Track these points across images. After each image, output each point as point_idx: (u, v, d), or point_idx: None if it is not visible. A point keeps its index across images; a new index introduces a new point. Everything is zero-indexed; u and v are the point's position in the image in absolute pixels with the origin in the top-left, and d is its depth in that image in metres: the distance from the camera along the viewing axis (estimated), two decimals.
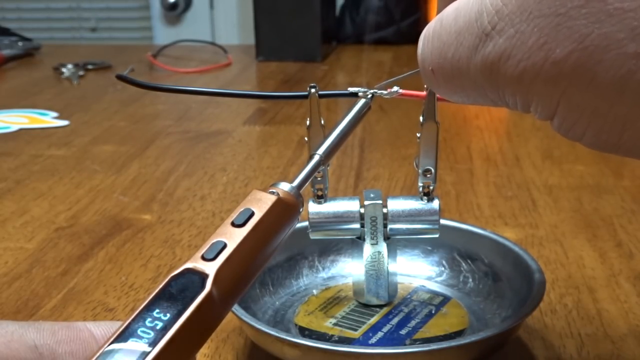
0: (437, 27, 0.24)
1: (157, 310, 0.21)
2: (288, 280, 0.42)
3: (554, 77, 0.20)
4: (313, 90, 0.34)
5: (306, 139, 0.36)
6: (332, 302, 0.40)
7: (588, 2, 0.19)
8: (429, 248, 0.43)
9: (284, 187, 0.26)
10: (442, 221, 0.38)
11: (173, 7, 1.97)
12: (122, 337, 0.21)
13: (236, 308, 0.34)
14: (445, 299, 0.40)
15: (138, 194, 0.61)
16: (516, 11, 0.20)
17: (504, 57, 0.21)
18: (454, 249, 0.43)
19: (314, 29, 1.20)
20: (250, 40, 1.27)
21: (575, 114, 0.20)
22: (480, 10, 0.21)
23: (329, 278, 0.43)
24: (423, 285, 0.42)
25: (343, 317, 0.38)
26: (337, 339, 0.36)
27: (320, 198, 0.38)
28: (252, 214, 0.25)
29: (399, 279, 0.40)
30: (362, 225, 0.38)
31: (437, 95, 0.34)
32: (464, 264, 0.42)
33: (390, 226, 0.38)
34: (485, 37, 0.21)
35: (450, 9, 0.23)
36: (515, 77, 0.21)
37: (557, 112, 0.21)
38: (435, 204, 0.37)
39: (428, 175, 0.37)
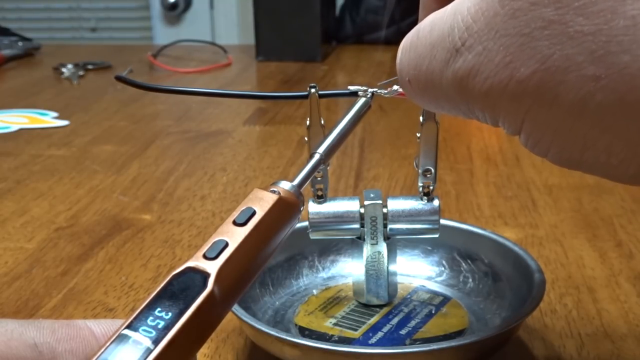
0: (414, 39, 0.24)
1: (159, 309, 0.21)
2: (288, 280, 0.42)
3: (518, 95, 0.20)
4: (313, 90, 0.34)
5: (306, 138, 0.36)
6: (332, 302, 0.40)
7: (550, 24, 0.19)
8: (429, 248, 0.43)
9: (285, 186, 0.26)
10: (442, 221, 0.38)
11: (173, 7, 1.97)
12: (124, 336, 0.21)
13: (236, 308, 0.34)
14: (445, 299, 0.40)
15: (138, 194, 0.61)
16: (484, 29, 0.21)
17: (473, 73, 0.21)
18: (454, 249, 0.43)
19: (314, 29, 1.20)
20: (250, 40, 1.27)
21: (539, 132, 0.21)
22: (452, 26, 0.22)
23: (329, 278, 0.43)
24: (423, 285, 0.42)
25: (343, 317, 0.38)
26: (337, 339, 0.36)
27: (320, 198, 0.38)
28: (254, 213, 0.25)
29: (399, 279, 0.40)
30: (362, 225, 0.38)
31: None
32: (464, 264, 0.42)
33: (390, 226, 0.38)
34: (456, 52, 0.22)
35: (427, 20, 0.24)
36: (483, 93, 0.21)
37: (522, 128, 0.21)
38: (435, 203, 0.37)
39: (428, 175, 0.37)
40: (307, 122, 0.35)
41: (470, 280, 0.41)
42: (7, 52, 1.22)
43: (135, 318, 0.21)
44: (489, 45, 0.20)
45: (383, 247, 0.38)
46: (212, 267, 0.23)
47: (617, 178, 0.21)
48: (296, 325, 0.38)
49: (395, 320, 0.38)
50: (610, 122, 0.19)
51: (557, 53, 0.19)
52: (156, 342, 0.20)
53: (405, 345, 0.35)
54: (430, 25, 0.23)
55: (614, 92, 0.18)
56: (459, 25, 0.21)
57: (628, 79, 0.18)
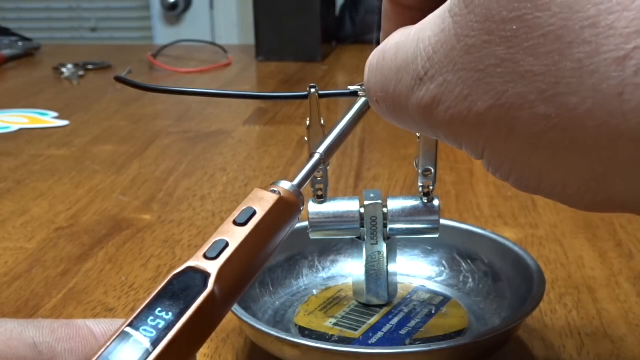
0: (380, 60, 0.25)
1: (159, 309, 0.21)
2: (288, 280, 0.42)
3: (477, 127, 0.21)
4: (313, 90, 0.34)
5: (306, 138, 0.36)
6: (332, 302, 0.40)
7: (503, 62, 0.19)
8: (429, 248, 0.43)
9: (285, 185, 0.26)
10: (442, 221, 0.38)
11: (173, 7, 1.97)
12: (124, 336, 0.21)
13: (236, 308, 0.34)
14: (445, 299, 0.40)
15: (138, 194, 0.61)
16: (444, 60, 0.21)
17: (435, 103, 0.22)
18: (454, 249, 0.43)
19: (314, 29, 1.20)
20: (250, 40, 1.27)
21: (498, 161, 0.21)
22: (415, 54, 0.22)
23: (329, 278, 0.43)
24: (423, 285, 0.42)
25: (343, 317, 0.38)
26: (337, 339, 0.36)
27: (320, 198, 0.38)
28: (254, 213, 0.25)
29: (399, 279, 0.40)
30: (362, 225, 0.38)
31: None
32: (464, 264, 0.42)
33: (390, 226, 0.38)
34: (420, 81, 0.22)
35: (392, 41, 0.24)
36: (446, 122, 0.22)
37: (484, 156, 0.22)
38: (435, 204, 0.37)
39: (428, 175, 0.37)
40: (307, 122, 0.35)
41: (470, 280, 0.41)
42: (7, 52, 1.22)
43: (135, 318, 0.21)
44: (448, 78, 0.21)
45: (383, 247, 0.38)
46: (212, 267, 0.23)
47: (574, 206, 0.21)
48: (296, 325, 0.38)
49: (395, 320, 0.38)
50: (562, 158, 0.20)
51: (510, 90, 0.19)
52: (156, 342, 0.20)
53: (405, 345, 0.35)
54: (396, 48, 0.23)
55: (565, 131, 0.19)
56: (422, 55, 0.22)
57: (577, 120, 0.18)
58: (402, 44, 0.23)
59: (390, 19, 0.26)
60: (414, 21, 0.23)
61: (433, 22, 0.22)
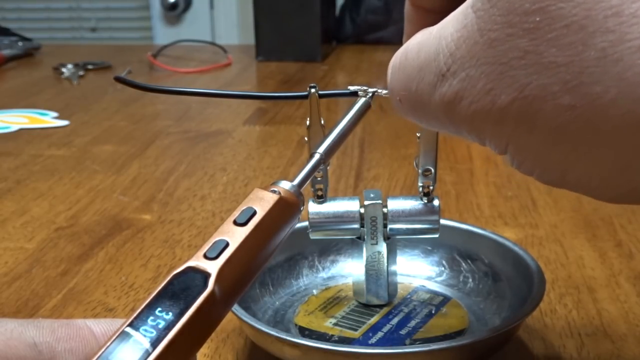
0: (402, 59, 0.25)
1: (160, 309, 0.21)
2: (288, 280, 0.42)
3: (500, 121, 0.21)
4: (313, 90, 0.35)
5: (306, 138, 0.36)
6: (332, 302, 0.40)
7: (526, 54, 0.19)
8: (429, 248, 0.43)
9: (285, 185, 0.26)
10: (442, 221, 0.38)
11: (173, 7, 1.97)
12: (124, 336, 0.21)
13: (236, 308, 0.34)
14: (445, 299, 0.40)
15: (138, 194, 0.61)
16: (466, 55, 0.21)
17: (458, 98, 0.22)
18: (454, 249, 0.43)
19: (314, 29, 1.20)
20: (250, 40, 1.27)
21: (522, 155, 0.22)
22: (437, 51, 0.22)
23: (329, 278, 0.43)
24: (423, 285, 0.42)
25: (343, 317, 0.38)
26: (337, 339, 0.36)
27: (320, 198, 0.38)
28: (254, 213, 0.25)
29: (399, 279, 0.40)
30: (362, 225, 0.38)
31: None
32: (464, 264, 0.42)
33: (390, 226, 0.38)
34: (442, 77, 0.22)
35: (414, 41, 0.24)
36: (469, 117, 0.22)
37: (507, 150, 0.22)
38: (435, 204, 0.37)
39: (428, 175, 0.37)
40: (307, 122, 0.35)
41: (470, 280, 0.41)
42: (7, 52, 1.22)
43: (135, 318, 0.21)
44: (471, 72, 0.21)
45: (383, 247, 0.38)
46: (212, 267, 0.23)
47: (599, 198, 0.21)
48: (296, 325, 0.38)
49: (395, 320, 0.38)
50: (586, 150, 0.20)
51: (533, 82, 0.20)
52: (156, 342, 0.20)
53: (405, 345, 0.35)
54: (418, 47, 0.24)
55: (588, 122, 0.19)
56: (444, 51, 0.22)
57: (600, 110, 0.19)
58: (424, 43, 0.23)
59: (412, 21, 0.26)
60: (435, 23, 0.23)
61: (455, 19, 0.22)
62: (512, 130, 0.21)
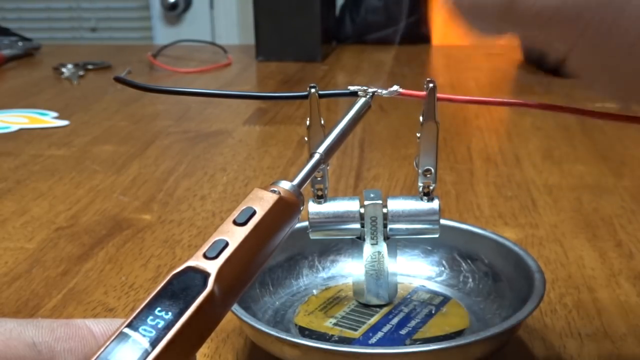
0: None
1: (159, 309, 0.21)
2: (288, 280, 0.42)
3: (574, 17, 0.19)
4: (313, 90, 0.34)
5: (306, 138, 0.36)
6: (332, 302, 0.40)
7: None
8: (429, 248, 0.43)
9: (285, 185, 0.26)
10: (442, 221, 0.38)
11: (173, 7, 1.98)
12: (124, 335, 0.21)
13: (236, 308, 0.34)
14: (445, 299, 0.40)
15: (138, 194, 0.61)
16: None
17: None
18: (454, 249, 0.43)
19: (314, 29, 1.20)
20: (250, 40, 1.27)
21: (587, 62, 0.19)
22: None
23: (329, 278, 0.43)
24: (423, 285, 0.42)
25: (343, 317, 0.38)
26: (337, 339, 0.36)
27: (320, 198, 0.38)
28: (254, 213, 0.25)
29: (399, 279, 0.40)
30: (362, 225, 0.38)
31: (437, 95, 0.34)
32: (464, 264, 0.42)
33: (390, 226, 0.38)
34: None
35: None
36: (536, 10, 0.19)
37: (568, 56, 0.20)
38: (435, 204, 0.37)
39: (428, 175, 0.37)
40: (307, 122, 0.35)
41: (470, 280, 0.41)
42: (7, 52, 1.22)
43: (135, 317, 0.21)
44: None
45: (383, 247, 0.38)
46: (212, 267, 0.23)
47: None
48: (296, 325, 0.38)
49: (395, 320, 0.38)
50: None
51: None
52: (156, 342, 0.20)
53: (405, 345, 0.35)
54: None
55: None
56: None
57: None
58: None
59: None
60: None
61: None
62: (585, 29, 0.18)
